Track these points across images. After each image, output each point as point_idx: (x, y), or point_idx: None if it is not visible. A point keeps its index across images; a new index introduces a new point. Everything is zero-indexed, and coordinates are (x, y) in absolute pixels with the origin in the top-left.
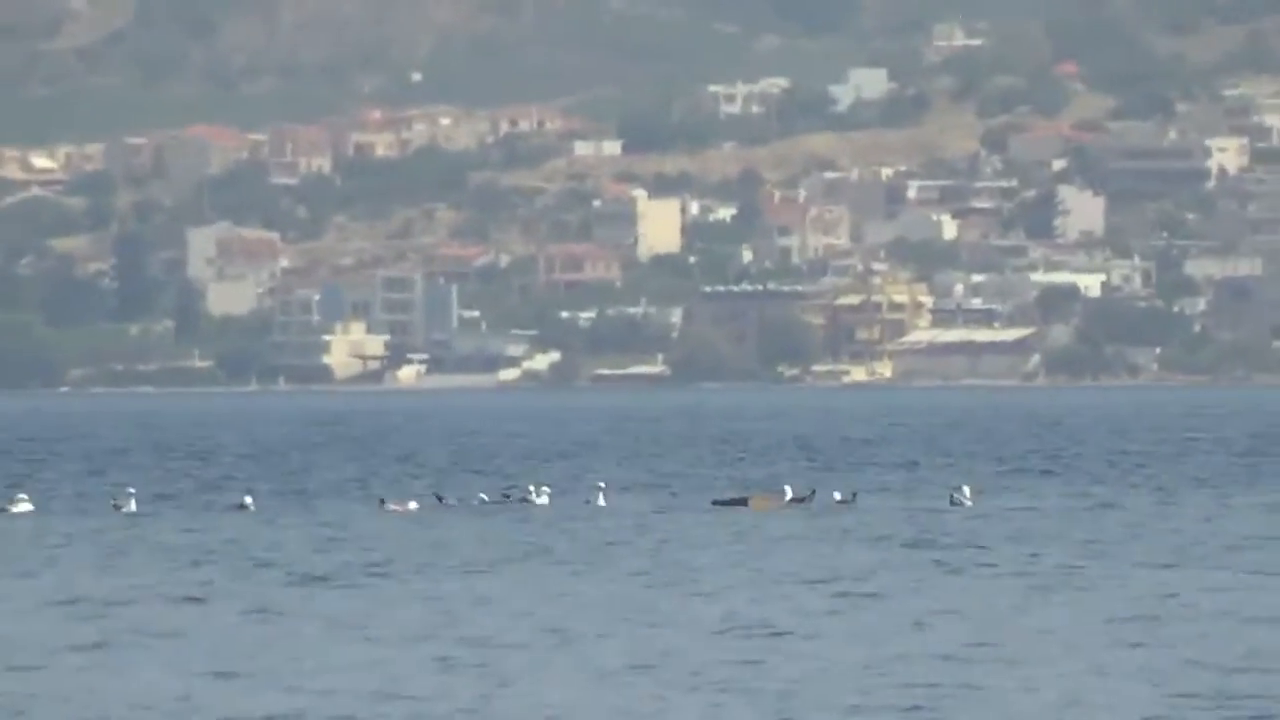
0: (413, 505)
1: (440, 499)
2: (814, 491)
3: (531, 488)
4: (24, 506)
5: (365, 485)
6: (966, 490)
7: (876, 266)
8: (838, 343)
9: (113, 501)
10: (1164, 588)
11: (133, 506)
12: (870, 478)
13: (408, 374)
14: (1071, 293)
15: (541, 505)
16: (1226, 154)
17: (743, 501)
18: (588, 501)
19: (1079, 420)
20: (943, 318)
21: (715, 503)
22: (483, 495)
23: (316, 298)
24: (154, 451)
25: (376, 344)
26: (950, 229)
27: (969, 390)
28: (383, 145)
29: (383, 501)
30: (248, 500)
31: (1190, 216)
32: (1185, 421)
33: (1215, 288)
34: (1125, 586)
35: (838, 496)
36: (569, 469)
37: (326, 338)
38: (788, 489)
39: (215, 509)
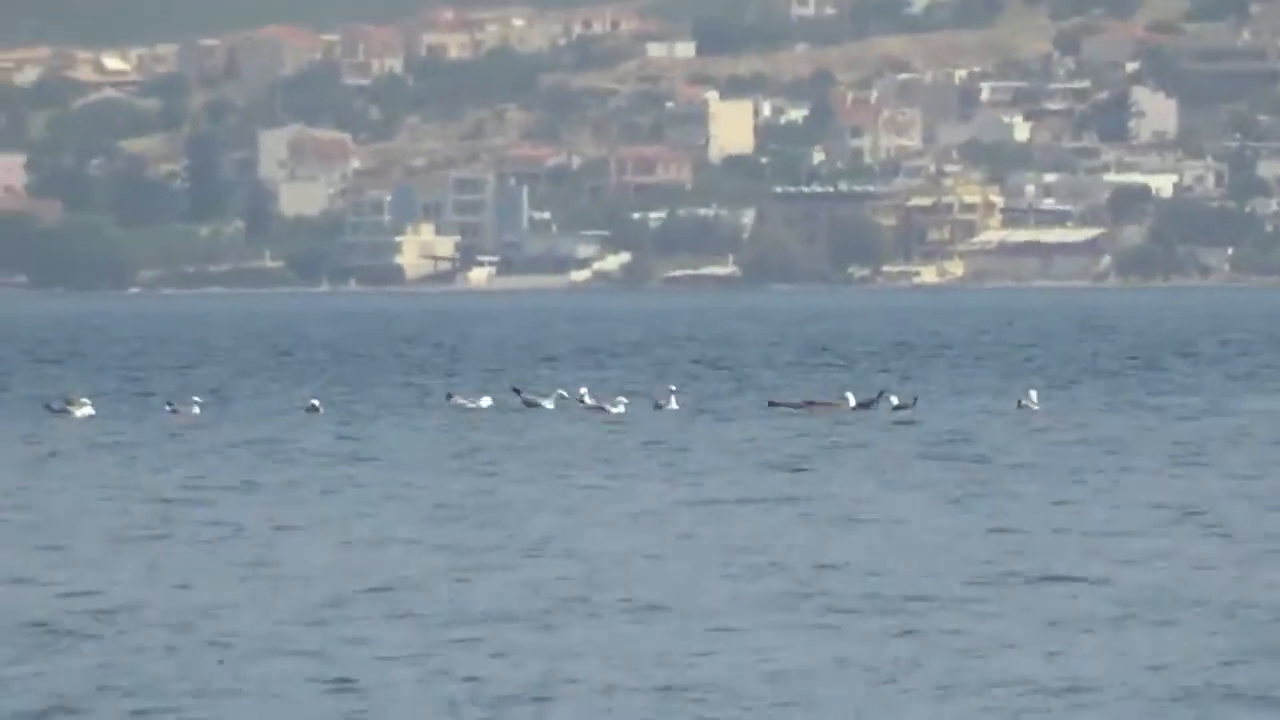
0: (485, 401)
1: (519, 393)
2: (881, 394)
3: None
4: (86, 410)
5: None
6: (1034, 394)
7: (948, 168)
8: (909, 244)
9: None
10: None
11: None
12: (942, 380)
13: (478, 275)
14: (1144, 193)
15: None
16: None
17: (801, 405)
18: (658, 405)
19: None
20: (1014, 218)
21: (772, 404)
22: (561, 392)
23: (388, 199)
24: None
25: (447, 245)
26: (1023, 131)
27: (1041, 291)
28: (455, 46)
29: (450, 396)
30: (315, 403)
31: (1263, 118)
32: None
33: None
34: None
35: (895, 401)
36: (635, 368)
37: (397, 239)
38: (849, 395)
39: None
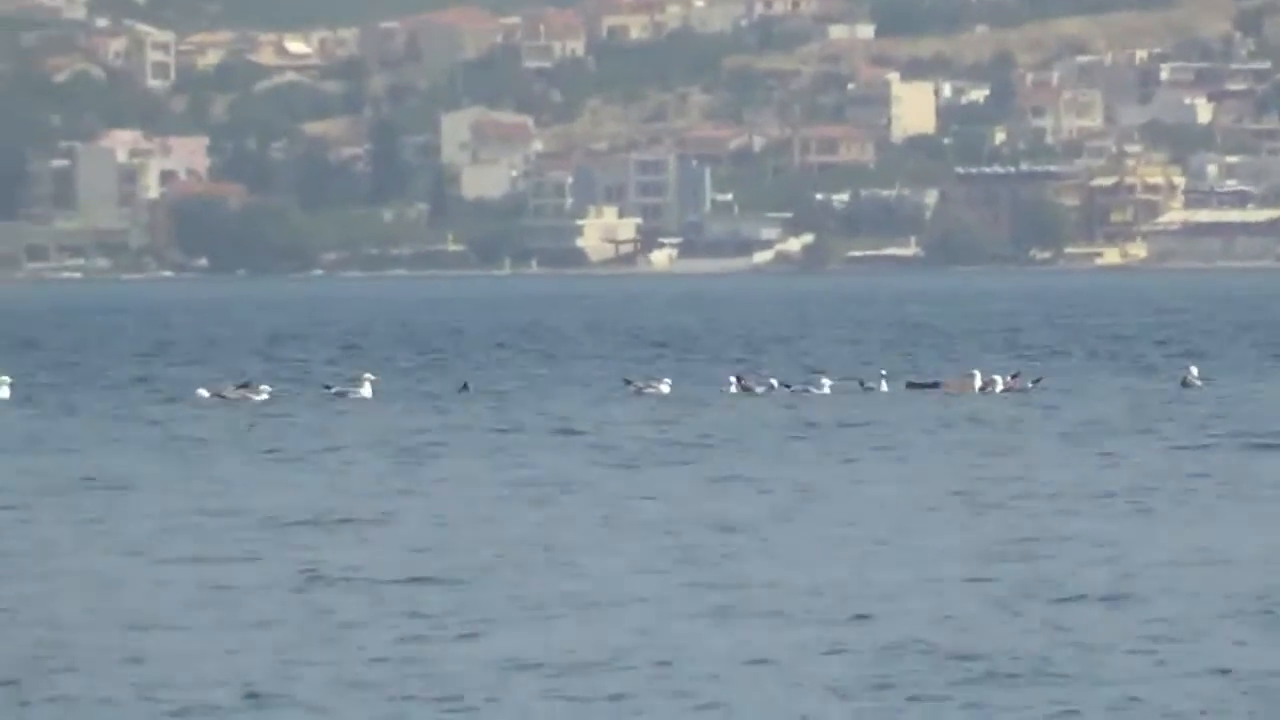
0: (664, 387)
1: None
2: (1017, 375)
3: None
4: (366, 390)
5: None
6: (1195, 371)
7: (1130, 149)
8: (1091, 224)
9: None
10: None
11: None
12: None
13: (660, 258)
14: None
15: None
16: None
17: (935, 385)
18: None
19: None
20: (1196, 199)
21: (910, 385)
22: (773, 381)
23: (570, 181)
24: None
25: (629, 227)
26: (1205, 112)
27: (1224, 273)
28: (636, 28)
29: (628, 382)
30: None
31: None
32: None
33: None
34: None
35: (1001, 381)
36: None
37: (579, 221)
38: (976, 374)
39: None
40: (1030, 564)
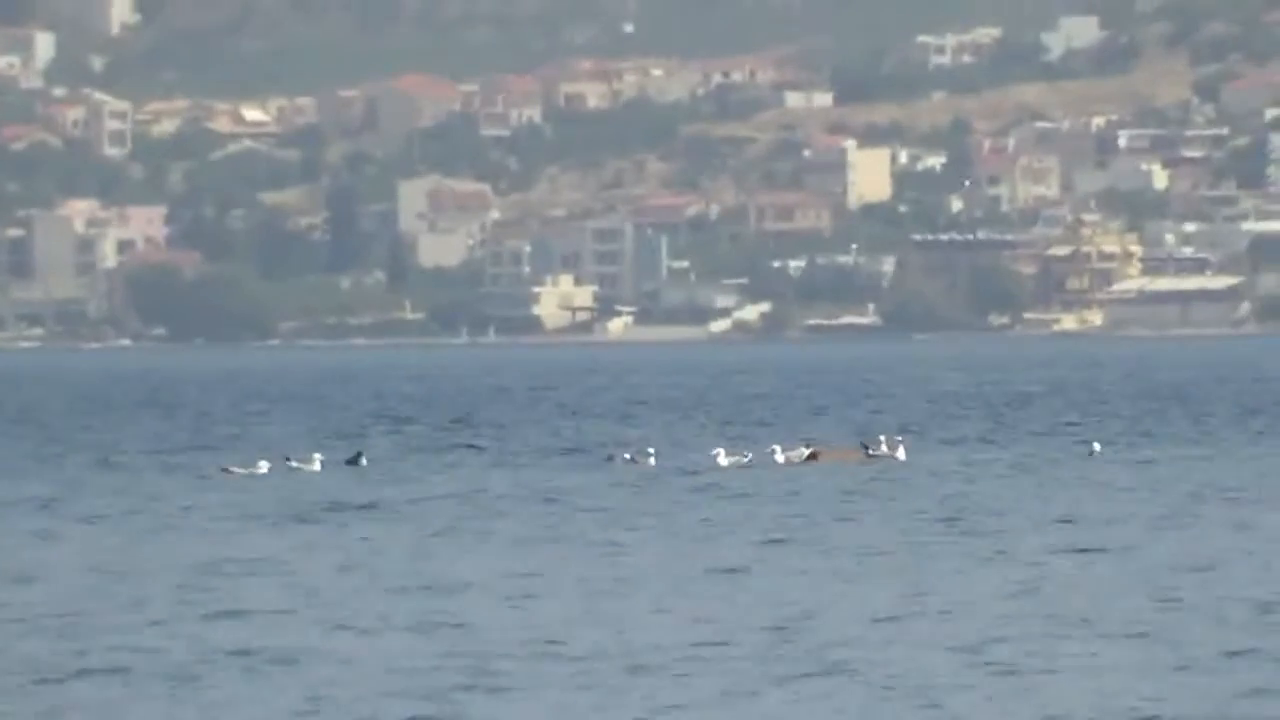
0: (654, 459)
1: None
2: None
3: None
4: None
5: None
6: (1096, 446)
7: (1087, 216)
8: (1048, 292)
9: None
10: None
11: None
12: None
13: (617, 325)
14: None
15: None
16: None
17: (813, 456)
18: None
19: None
20: (1153, 265)
21: (811, 456)
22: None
23: (527, 249)
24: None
25: (585, 295)
26: (1161, 178)
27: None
28: (594, 96)
29: (611, 457)
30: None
31: None
32: None
33: None
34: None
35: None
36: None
37: (536, 289)
38: (864, 443)
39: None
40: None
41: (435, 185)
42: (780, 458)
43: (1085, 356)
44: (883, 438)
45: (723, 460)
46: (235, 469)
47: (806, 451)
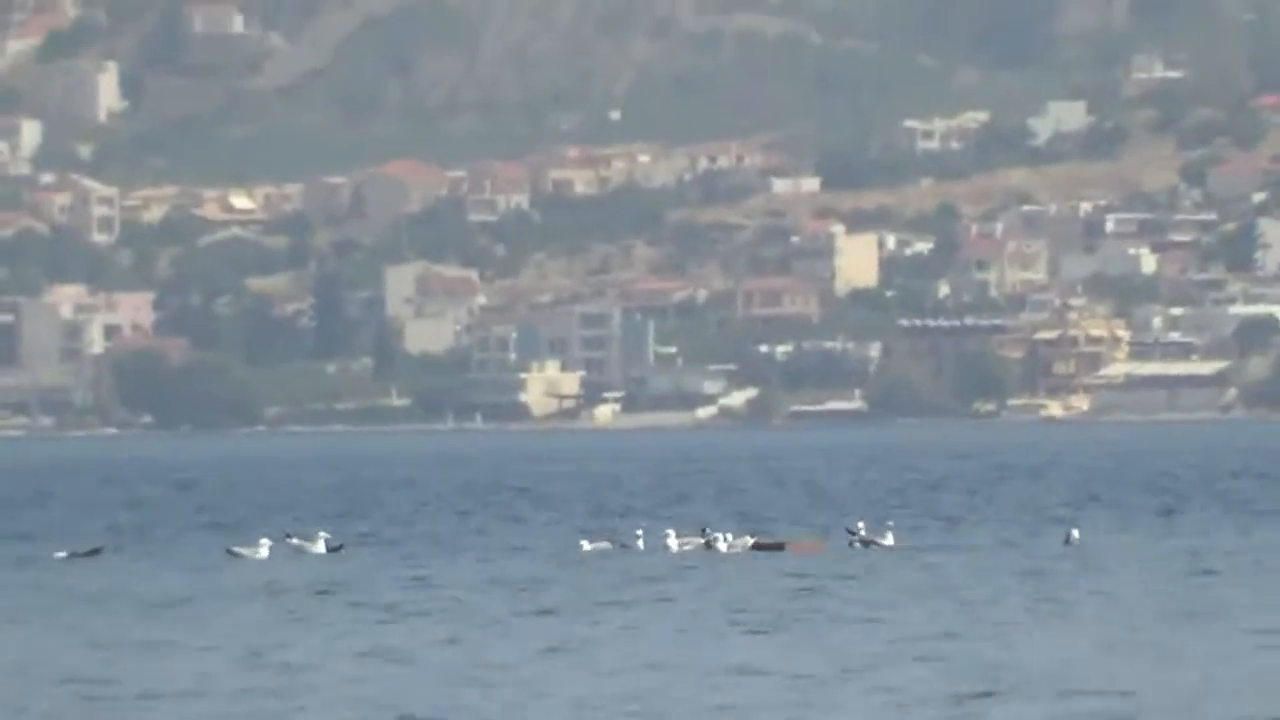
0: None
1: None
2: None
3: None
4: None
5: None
6: (1076, 533)
7: (1074, 301)
8: (1035, 377)
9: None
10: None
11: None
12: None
13: (604, 412)
14: (1270, 325)
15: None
16: None
17: (780, 546)
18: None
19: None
20: (1140, 350)
21: (756, 546)
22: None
23: (514, 335)
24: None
25: (572, 381)
26: (1149, 263)
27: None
28: (581, 182)
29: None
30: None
31: None
32: None
33: None
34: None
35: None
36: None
37: (523, 375)
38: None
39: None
40: None
41: (422, 271)
42: (674, 545)
43: (1065, 443)
44: (861, 523)
45: (672, 543)
46: (240, 550)
47: (751, 541)
